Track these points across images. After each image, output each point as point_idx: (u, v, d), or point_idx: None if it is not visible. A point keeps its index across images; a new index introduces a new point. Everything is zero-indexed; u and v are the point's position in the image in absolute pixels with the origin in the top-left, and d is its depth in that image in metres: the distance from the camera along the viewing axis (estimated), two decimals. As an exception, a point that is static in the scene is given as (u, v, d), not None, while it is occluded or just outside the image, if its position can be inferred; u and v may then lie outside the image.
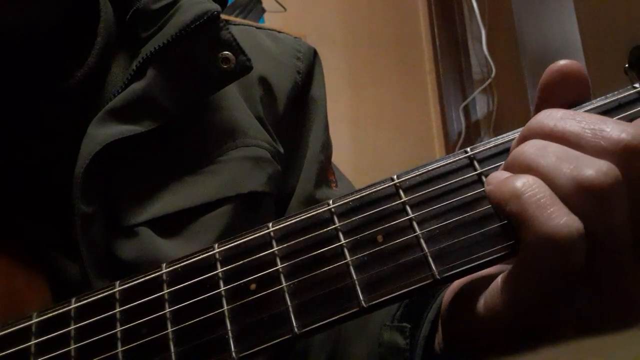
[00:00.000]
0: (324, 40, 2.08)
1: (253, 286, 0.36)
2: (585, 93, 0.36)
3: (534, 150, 0.32)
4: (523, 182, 0.31)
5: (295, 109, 0.67)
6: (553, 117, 0.33)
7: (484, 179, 0.35)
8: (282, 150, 0.64)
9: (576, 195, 0.30)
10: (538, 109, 0.37)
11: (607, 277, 0.31)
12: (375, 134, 2.17)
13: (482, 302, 0.34)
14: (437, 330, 0.43)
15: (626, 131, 0.31)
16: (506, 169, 0.34)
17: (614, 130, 0.31)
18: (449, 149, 2.30)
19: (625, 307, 0.31)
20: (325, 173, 0.69)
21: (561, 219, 0.29)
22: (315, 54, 0.71)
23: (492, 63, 2.19)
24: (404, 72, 2.33)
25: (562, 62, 0.36)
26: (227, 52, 0.55)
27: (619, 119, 0.34)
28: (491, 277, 0.35)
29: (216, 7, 0.55)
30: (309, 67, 0.69)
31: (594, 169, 0.30)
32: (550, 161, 0.31)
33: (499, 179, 0.33)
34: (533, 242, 0.30)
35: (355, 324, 0.53)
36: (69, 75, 0.53)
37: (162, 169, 0.56)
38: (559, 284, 0.30)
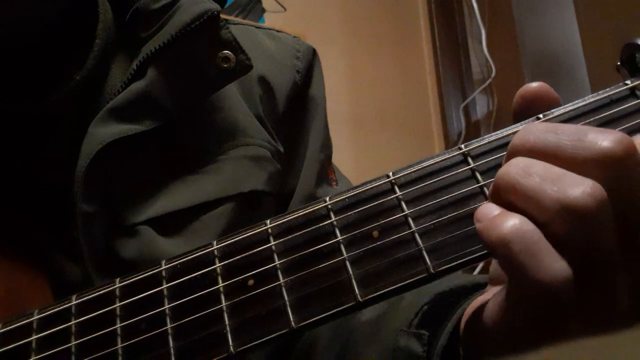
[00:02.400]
0: (324, 40, 2.08)
1: (251, 282, 0.36)
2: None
3: (517, 170, 0.31)
4: (510, 227, 0.30)
5: (295, 108, 0.68)
6: (532, 132, 0.32)
7: (477, 174, 0.35)
8: (281, 149, 0.64)
9: (562, 218, 0.29)
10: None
11: (599, 296, 0.30)
12: (375, 134, 2.17)
13: (486, 334, 0.34)
14: (457, 344, 0.43)
15: (607, 139, 0.30)
16: (494, 191, 0.33)
17: (594, 139, 0.30)
18: (449, 148, 2.29)
19: (622, 320, 0.31)
20: (326, 172, 0.69)
21: (551, 267, 0.29)
22: (314, 53, 0.71)
23: (492, 63, 2.19)
24: (404, 72, 2.33)
25: (534, 85, 0.36)
26: (227, 52, 0.55)
27: (610, 114, 0.34)
28: (495, 308, 0.34)
29: (216, 6, 0.55)
30: (308, 66, 0.70)
31: (578, 190, 0.29)
32: (533, 182, 0.30)
33: (487, 217, 0.32)
34: (522, 287, 0.30)
35: (367, 329, 0.54)
36: (69, 77, 0.54)
37: (162, 168, 0.56)
38: (549, 317, 0.30)
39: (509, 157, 0.33)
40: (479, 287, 0.45)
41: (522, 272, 0.29)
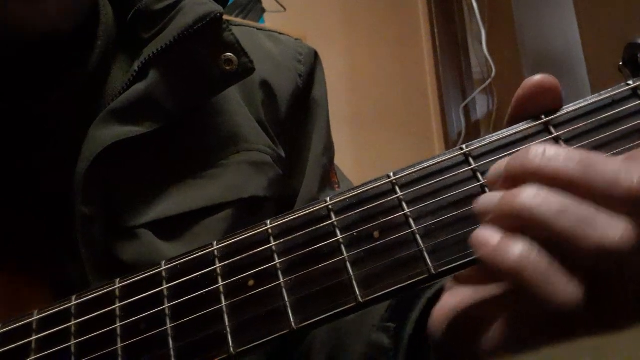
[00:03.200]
0: (324, 40, 2.08)
1: (251, 282, 0.36)
2: (558, 104, 0.36)
3: (540, 202, 0.30)
4: (521, 254, 0.29)
5: (297, 112, 0.67)
6: (554, 160, 0.31)
7: (479, 175, 0.35)
8: (283, 153, 0.64)
9: (596, 260, 0.29)
10: (511, 123, 0.37)
11: (616, 320, 0.31)
12: (375, 134, 2.17)
13: (484, 344, 0.34)
14: (424, 331, 0.43)
15: (634, 177, 0.29)
16: (501, 217, 0.31)
17: (623, 175, 0.29)
18: (449, 148, 2.28)
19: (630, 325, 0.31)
20: (328, 176, 0.69)
21: (565, 290, 0.29)
22: (316, 56, 0.71)
23: (492, 63, 2.19)
24: (404, 72, 2.33)
25: (538, 77, 0.35)
26: (229, 54, 0.55)
27: (612, 114, 0.34)
28: (490, 316, 0.34)
29: (219, 8, 0.54)
30: (310, 69, 0.69)
31: (616, 234, 0.28)
32: (567, 223, 0.29)
33: (491, 243, 0.30)
34: (538, 311, 0.30)
35: (352, 326, 0.54)
36: (70, 77, 0.54)
37: (163, 171, 0.56)
38: (557, 330, 0.31)
39: (514, 180, 0.32)
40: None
41: (535, 297, 0.29)
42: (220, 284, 0.36)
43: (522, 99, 0.36)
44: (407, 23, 2.42)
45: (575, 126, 0.34)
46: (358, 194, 0.37)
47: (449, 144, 2.30)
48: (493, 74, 2.19)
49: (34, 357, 0.38)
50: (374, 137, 2.16)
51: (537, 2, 2.09)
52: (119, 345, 0.37)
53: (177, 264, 0.38)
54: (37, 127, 0.54)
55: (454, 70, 2.36)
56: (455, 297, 0.38)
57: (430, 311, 0.40)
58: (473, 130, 2.27)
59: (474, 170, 0.35)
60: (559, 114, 0.35)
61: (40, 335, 0.39)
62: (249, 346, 0.34)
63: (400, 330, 0.45)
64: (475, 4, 2.24)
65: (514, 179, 0.32)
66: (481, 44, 2.23)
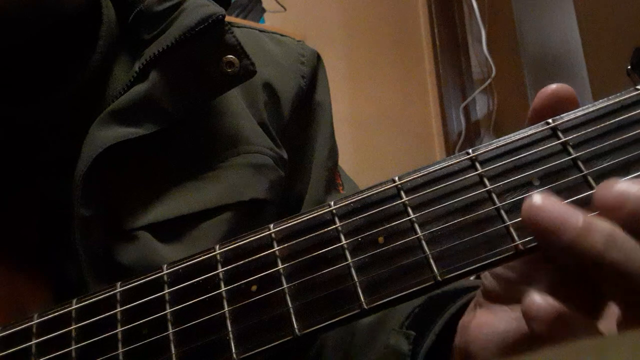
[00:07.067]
0: (324, 40, 2.08)
1: (254, 287, 0.35)
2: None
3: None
4: (609, 232, 0.28)
5: (300, 114, 0.67)
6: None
7: (485, 180, 0.34)
8: (285, 156, 0.64)
9: None
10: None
11: None
12: (375, 134, 2.17)
13: None
14: (445, 344, 0.43)
15: None
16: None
17: None
18: (449, 148, 2.30)
19: None
20: (333, 179, 0.68)
21: None
22: (318, 57, 0.70)
23: (492, 63, 2.19)
24: (404, 72, 2.33)
25: (553, 86, 0.35)
26: (231, 56, 0.54)
27: (620, 120, 0.33)
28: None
29: (221, 10, 0.54)
30: (313, 71, 0.69)
31: None
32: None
33: (576, 224, 0.29)
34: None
35: (366, 333, 0.54)
36: (71, 79, 0.53)
37: (163, 173, 0.55)
38: None
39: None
40: (466, 291, 0.47)
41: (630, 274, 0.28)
42: (223, 289, 0.36)
43: (540, 109, 0.36)
44: (407, 23, 2.42)
45: (584, 131, 0.34)
46: (362, 198, 0.36)
47: (449, 144, 2.30)
48: (493, 74, 2.19)
49: (34, 362, 0.38)
50: (373, 137, 2.16)
51: (537, 2, 2.09)
52: (120, 350, 0.36)
53: (179, 268, 0.38)
54: (36, 128, 0.53)
55: (454, 70, 2.36)
56: (500, 320, 0.38)
57: (452, 324, 0.40)
58: (473, 131, 2.27)
59: (480, 176, 0.34)
60: (566, 118, 0.34)
61: (40, 340, 0.38)
62: (252, 352, 0.34)
63: (420, 338, 0.46)
64: (475, 4, 2.24)
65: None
66: (481, 44, 2.23)
